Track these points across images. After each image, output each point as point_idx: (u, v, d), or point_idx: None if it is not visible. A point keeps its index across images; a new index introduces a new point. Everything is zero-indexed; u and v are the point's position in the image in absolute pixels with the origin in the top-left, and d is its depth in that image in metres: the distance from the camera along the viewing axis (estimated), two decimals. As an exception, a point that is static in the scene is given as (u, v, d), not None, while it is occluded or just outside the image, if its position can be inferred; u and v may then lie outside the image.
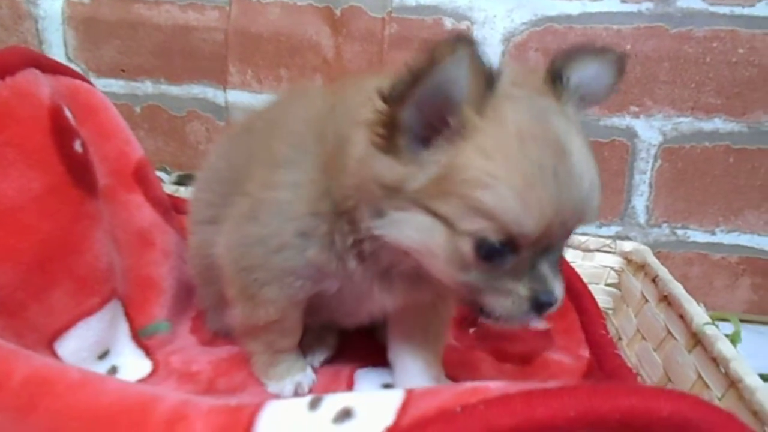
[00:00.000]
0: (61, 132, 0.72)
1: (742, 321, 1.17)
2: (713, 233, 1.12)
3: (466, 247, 0.52)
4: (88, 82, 0.90)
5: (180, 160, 1.22)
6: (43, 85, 0.73)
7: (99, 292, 0.74)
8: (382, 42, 1.10)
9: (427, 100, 0.49)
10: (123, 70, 1.20)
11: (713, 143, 1.08)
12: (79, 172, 0.73)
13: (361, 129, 0.54)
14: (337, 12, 1.10)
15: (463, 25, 1.08)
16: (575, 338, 0.91)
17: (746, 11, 1.02)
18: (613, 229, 1.15)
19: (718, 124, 1.07)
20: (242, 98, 1.16)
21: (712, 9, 1.03)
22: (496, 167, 0.49)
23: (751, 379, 0.63)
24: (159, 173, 1.17)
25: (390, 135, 0.52)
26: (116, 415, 0.49)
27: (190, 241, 0.84)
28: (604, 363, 0.84)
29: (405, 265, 0.61)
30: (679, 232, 1.13)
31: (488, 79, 0.49)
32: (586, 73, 0.58)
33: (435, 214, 0.52)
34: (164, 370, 0.78)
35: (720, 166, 1.09)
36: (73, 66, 1.19)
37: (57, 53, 1.20)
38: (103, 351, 0.76)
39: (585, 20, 1.05)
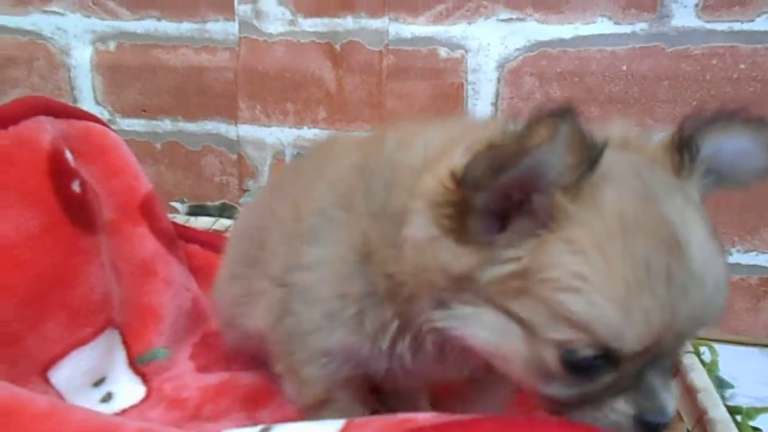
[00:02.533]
0: (59, 174, 0.78)
1: (765, 346, 1.13)
2: (730, 254, 1.08)
3: (551, 356, 0.43)
4: (103, 123, 0.96)
5: (197, 191, 1.28)
6: (45, 132, 0.79)
7: (92, 323, 0.79)
8: (381, 73, 1.13)
9: (512, 185, 0.41)
10: (144, 111, 1.28)
11: (720, 162, 1.05)
12: (75, 210, 0.78)
13: (420, 209, 0.47)
14: (338, 47, 1.14)
15: (457, 54, 1.09)
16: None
17: (745, 27, 0.99)
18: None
19: (724, 141, 1.04)
20: (252, 132, 1.22)
21: (709, 26, 1.00)
22: (590, 267, 0.41)
23: (716, 412, 0.61)
24: (176, 204, 1.24)
25: (459, 217, 0.43)
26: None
27: (215, 293, 0.86)
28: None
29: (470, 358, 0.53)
30: (690, 253, 1.10)
31: (589, 159, 0.40)
32: (726, 147, 0.48)
33: (511, 315, 0.44)
34: (156, 396, 0.82)
35: (729, 185, 1.05)
36: (100, 109, 1.29)
37: (87, 98, 1.29)
38: (99, 378, 0.81)
39: (578, 43, 1.05)
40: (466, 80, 1.10)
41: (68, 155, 0.81)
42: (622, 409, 0.44)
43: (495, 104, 1.09)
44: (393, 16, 1.10)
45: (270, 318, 0.65)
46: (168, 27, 1.22)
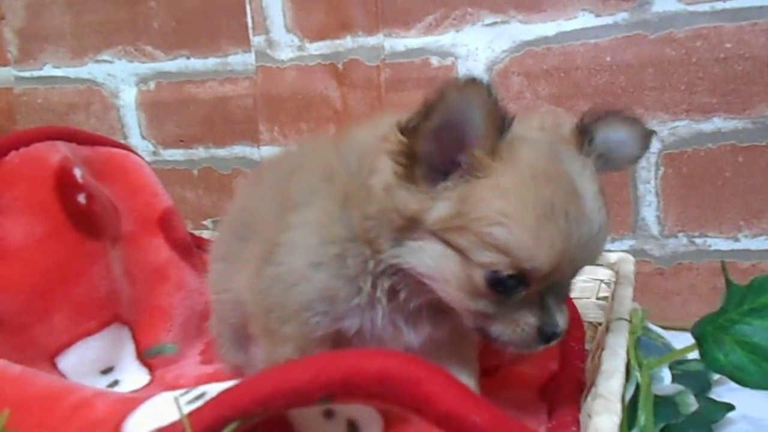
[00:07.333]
0: (65, 188, 0.88)
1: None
2: (736, 239, 1.04)
3: (478, 277, 0.55)
4: (126, 148, 1.09)
5: (230, 211, 1.39)
6: (56, 152, 0.90)
7: (97, 317, 0.88)
8: (379, 87, 1.19)
9: (440, 135, 0.53)
10: (181, 141, 1.41)
11: (717, 144, 1.02)
12: (80, 218, 0.88)
13: (385, 158, 0.58)
14: (340, 66, 1.22)
15: (448, 62, 1.14)
16: (549, 351, 0.89)
17: (728, 5, 0.97)
18: (627, 243, 1.11)
19: (719, 123, 1.01)
20: (273, 152, 1.32)
21: (691, 8, 0.99)
22: (510, 205, 0.53)
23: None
24: (207, 222, 1.36)
25: (410, 165, 0.55)
26: (32, 402, 0.61)
27: (207, 278, 0.92)
28: (562, 373, 0.82)
29: (423, 297, 0.63)
30: (698, 240, 1.06)
31: (501, 123, 0.53)
32: (612, 137, 0.61)
33: (450, 245, 0.56)
34: (157, 383, 0.90)
35: (730, 168, 1.02)
36: (145, 142, 1.44)
37: (134, 133, 1.45)
38: (107, 367, 0.90)
39: (562, 39, 1.07)
40: (458, 85, 1.14)
41: (77, 172, 0.92)
42: (529, 321, 0.58)
43: (486, 106, 1.13)
44: (387, 31, 1.17)
45: (254, 268, 0.69)
46: (196, 64, 1.36)
